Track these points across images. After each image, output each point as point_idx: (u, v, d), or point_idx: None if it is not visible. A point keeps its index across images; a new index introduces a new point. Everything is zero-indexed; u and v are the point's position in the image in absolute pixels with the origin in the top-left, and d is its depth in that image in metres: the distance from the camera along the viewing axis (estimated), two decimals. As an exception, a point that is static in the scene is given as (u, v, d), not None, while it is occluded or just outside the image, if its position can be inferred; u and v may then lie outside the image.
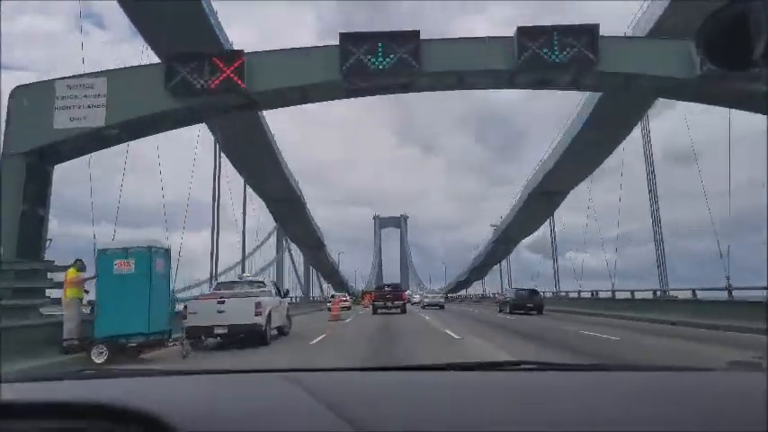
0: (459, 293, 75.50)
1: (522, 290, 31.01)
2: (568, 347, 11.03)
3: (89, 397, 0.87)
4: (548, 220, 44.32)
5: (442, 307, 38.46)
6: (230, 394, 1.01)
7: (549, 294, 36.33)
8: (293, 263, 64.09)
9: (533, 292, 29.92)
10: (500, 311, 29.04)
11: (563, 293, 37.29)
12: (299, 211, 43.63)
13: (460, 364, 1.38)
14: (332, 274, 73.55)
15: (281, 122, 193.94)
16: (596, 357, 9.39)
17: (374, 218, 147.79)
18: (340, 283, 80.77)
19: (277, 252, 62.36)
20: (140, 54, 24.44)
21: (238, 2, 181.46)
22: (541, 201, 37.91)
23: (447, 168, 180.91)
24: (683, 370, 1.39)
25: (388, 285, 32.02)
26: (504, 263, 58.95)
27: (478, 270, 63.68)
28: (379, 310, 28.18)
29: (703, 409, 0.86)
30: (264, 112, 27.96)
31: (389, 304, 28.39)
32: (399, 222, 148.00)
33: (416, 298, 51.61)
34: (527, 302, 27.17)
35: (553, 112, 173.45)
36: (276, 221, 45.22)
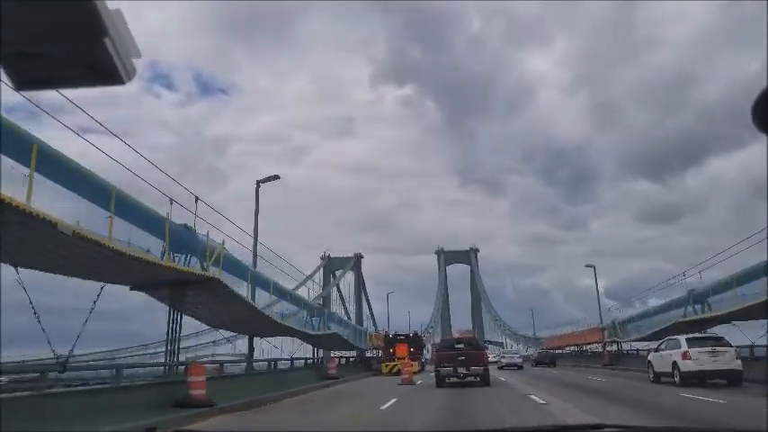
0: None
1: (542, 351, 52.28)
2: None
3: None
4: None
5: (520, 367, 37.69)
6: None
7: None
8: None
9: (549, 353, 48.67)
10: (531, 365, 43.72)
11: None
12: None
13: (542, 428, 1.39)
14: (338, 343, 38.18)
15: (333, 177, 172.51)
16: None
17: (437, 252, 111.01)
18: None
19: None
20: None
21: (287, 51, 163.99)
22: None
23: (512, 209, 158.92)
24: None
25: (459, 342, 21.44)
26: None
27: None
28: (448, 380, 19.18)
29: None
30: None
31: (463, 370, 18.98)
32: (469, 257, 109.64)
33: (491, 357, 39.43)
34: (545, 359, 44.20)
35: (621, 150, 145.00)
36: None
